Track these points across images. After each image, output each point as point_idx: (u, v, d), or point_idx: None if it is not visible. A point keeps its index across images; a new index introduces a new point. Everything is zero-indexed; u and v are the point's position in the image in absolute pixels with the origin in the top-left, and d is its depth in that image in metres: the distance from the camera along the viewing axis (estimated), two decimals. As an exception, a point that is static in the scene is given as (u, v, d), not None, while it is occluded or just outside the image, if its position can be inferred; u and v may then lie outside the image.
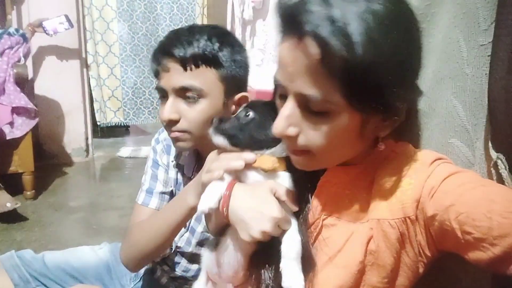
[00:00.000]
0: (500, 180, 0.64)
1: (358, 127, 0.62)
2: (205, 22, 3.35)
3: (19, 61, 2.78)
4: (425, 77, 0.79)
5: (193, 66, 0.95)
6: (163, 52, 0.97)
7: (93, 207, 2.79)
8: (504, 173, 0.62)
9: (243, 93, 1.03)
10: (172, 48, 0.95)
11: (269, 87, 1.60)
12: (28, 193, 2.81)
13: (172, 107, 0.97)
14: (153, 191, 1.13)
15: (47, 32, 3.08)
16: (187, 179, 1.13)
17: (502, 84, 0.59)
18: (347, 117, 0.60)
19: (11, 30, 2.83)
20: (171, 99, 0.97)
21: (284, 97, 0.65)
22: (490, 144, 0.65)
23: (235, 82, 1.01)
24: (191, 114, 0.97)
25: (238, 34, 2.10)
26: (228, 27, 2.24)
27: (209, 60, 0.96)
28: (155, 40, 3.47)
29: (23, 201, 2.79)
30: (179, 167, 1.15)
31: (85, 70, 3.70)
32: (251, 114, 0.75)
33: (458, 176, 0.62)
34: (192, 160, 1.12)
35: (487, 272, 0.69)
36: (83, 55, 3.66)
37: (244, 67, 1.03)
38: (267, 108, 0.75)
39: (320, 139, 0.63)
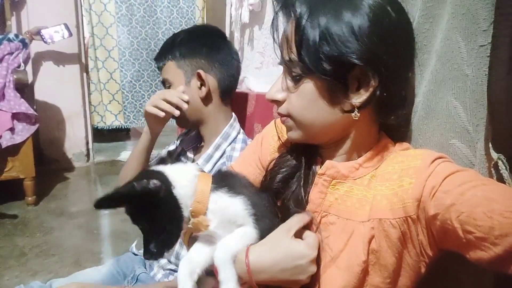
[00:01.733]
0: (501, 181, 0.64)
1: (327, 91, 0.69)
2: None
3: (19, 66, 2.78)
4: (424, 78, 0.80)
5: (161, 64, 1.29)
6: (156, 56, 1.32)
7: (94, 212, 2.78)
8: (505, 173, 0.62)
9: (198, 70, 1.27)
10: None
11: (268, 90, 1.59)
12: (30, 198, 2.81)
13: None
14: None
15: (44, 40, 3.09)
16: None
17: (502, 85, 0.59)
18: (312, 82, 0.69)
19: (11, 36, 2.83)
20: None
21: None
22: (490, 145, 0.65)
23: (190, 64, 1.27)
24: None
25: (236, 37, 2.10)
26: (227, 30, 2.25)
27: (166, 55, 1.28)
28: (155, 44, 3.48)
29: (25, 207, 2.79)
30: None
31: (85, 75, 3.71)
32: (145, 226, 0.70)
33: (459, 175, 0.62)
34: (193, 140, 1.40)
35: (489, 273, 0.68)
36: (83, 60, 3.67)
37: (197, 50, 1.28)
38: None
39: (297, 102, 0.72)
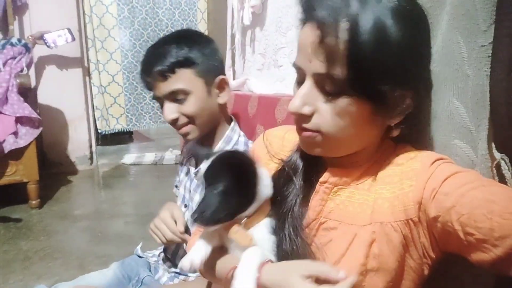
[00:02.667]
0: (503, 181, 0.64)
1: (369, 113, 0.66)
2: (206, 27, 3.35)
3: (22, 71, 2.80)
4: (426, 79, 0.80)
5: (170, 74, 1.14)
6: (145, 71, 1.19)
7: (98, 215, 2.80)
8: (508, 174, 0.62)
9: (221, 77, 1.23)
10: (150, 66, 1.16)
11: (270, 91, 1.60)
12: (33, 202, 2.82)
13: (169, 109, 1.17)
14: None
15: (47, 44, 3.11)
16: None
17: (503, 86, 0.59)
18: (357, 102, 0.64)
19: (14, 40, 2.85)
20: (166, 103, 1.17)
21: (300, 83, 0.70)
22: (493, 145, 0.65)
23: (211, 71, 1.20)
24: (187, 110, 1.17)
25: (238, 39, 2.10)
26: (229, 32, 2.25)
27: (183, 63, 1.15)
28: None
29: (29, 210, 2.80)
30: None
31: (87, 78, 3.72)
32: (220, 187, 0.72)
33: (459, 176, 0.62)
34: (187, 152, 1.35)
35: (490, 276, 0.68)
36: (85, 64, 3.68)
37: (214, 56, 1.22)
38: (235, 171, 0.73)
39: (333, 120, 0.66)
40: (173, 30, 3.50)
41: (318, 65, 0.64)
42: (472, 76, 0.69)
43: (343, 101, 0.64)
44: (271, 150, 0.86)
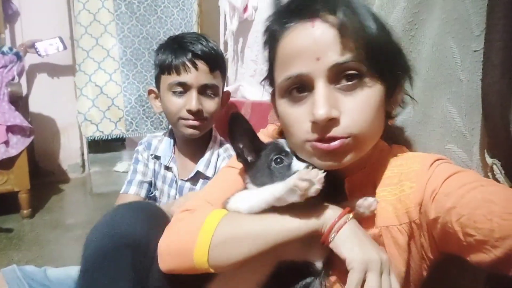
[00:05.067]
0: (498, 184, 0.64)
1: (382, 97, 0.66)
2: (199, 31, 3.32)
3: (13, 79, 2.77)
4: (417, 84, 0.80)
5: (215, 68, 1.23)
6: (191, 51, 1.19)
7: (91, 224, 2.72)
8: (501, 178, 0.62)
9: (227, 90, 1.37)
10: (199, 50, 1.19)
11: (263, 98, 1.60)
12: (25, 211, 2.78)
13: (198, 100, 1.21)
14: (133, 181, 1.36)
15: (39, 53, 3.09)
16: (165, 168, 1.36)
17: (496, 89, 0.59)
18: (374, 84, 0.64)
19: (5, 49, 2.83)
20: (195, 93, 1.20)
21: (302, 90, 0.66)
22: (485, 150, 0.65)
23: (224, 80, 1.31)
24: (212, 107, 1.24)
25: (230, 45, 2.10)
26: (221, 38, 2.25)
27: (221, 65, 1.26)
28: (157, 44, 3.28)
29: (20, 220, 2.76)
30: (156, 158, 1.37)
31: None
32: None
33: (458, 177, 0.62)
34: (168, 152, 1.36)
35: (483, 278, 0.68)
36: (77, 70, 3.66)
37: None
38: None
39: (360, 114, 0.63)
40: (172, 29, 3.45)
41: (333, 56, 0.62)
42: (465, 81, 0.70)
43: (362, 89, 0.64)
44: None
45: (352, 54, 0.62)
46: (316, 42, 0.63)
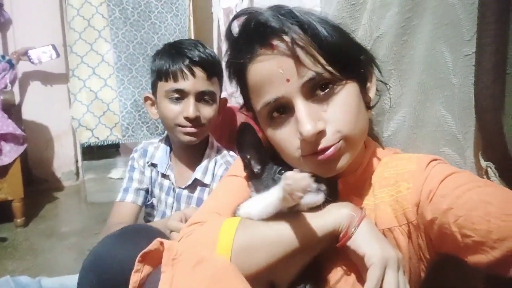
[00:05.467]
0: (493, 187, 0.64)
1: (358, 93, 0.68)
2: (192, 37, 3.32)
3: (5, 87, 2.76)
4: (410, 88, 0.80)
5: (213, 75, 1.22)
6: (189, 58, 1.18)
7: (85, 232, 2.74)
8: (496, 181, 0.63)
9: (224, 96, 1.36)
10: (197, 56, 1.18)
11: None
12: (19, 220, 2.76)
13: (195, 107, 1.19)
14: (129, 189, 1.34)
15: (32, 61, 3.07)
16: (162, 175, 1.34)
17: (489, 93, 0.60)
18: (346, 85, 0.66)
19: (-3, 56, 2.82)
20: (193, 100, 1.19)
21: (283, 111, 0.68)
22: (480, 154, 0.66)
23: (221, 87, 1.30)
24: (209, 113, 1.23)
25: (224, 51, 2.11)
26: (215, 44, 2.26)
27: (218, 71, 1.24)
28: (151, 49, 3.30)
29: (14, 229, 2.74)
30: (153, 165, 1.36)
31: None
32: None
33: (454, 177, 0.62)
34: (164, 159, 1.35)
35: (481, 279, 0.68)
36: (70, 77, 3.64)
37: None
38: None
39: (344, 115, 0.65)
40: (166, 34, 3.45)
41: (304, 73, 0.64)
42: (458, 85, 0.70)
43: (338, 93, 0.65)
44: None
45: (317, 67, 0.63)
46: (281, 65, 0.64)
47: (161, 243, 0.63)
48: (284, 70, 0.64)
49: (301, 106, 0.64)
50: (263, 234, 0.66)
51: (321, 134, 0.64)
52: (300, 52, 0.63)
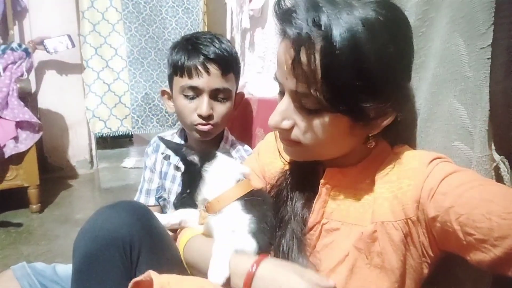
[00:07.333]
0: (501, 183, 0.64)
1: (347, 127, 0.66)
2: (205, 29, 3.33)
3: (22, 75, 2.80)
4: (425, 81, 0.80)
5: (228, 71, 1.20)
6: (204, 55, 1.17)
7: (99, 219, 2.79)
8: (506, 176, 0.63)
9: (241, 92, 1.34)
10: (212, 53, 1.17)
11: (270, 94, 1.61)
12: (34, 206, 2.81)
13: (210, 104, 1.19)
14: (142, 189, 1.41)
15: (47, 50, 3.11)
16: (175, 168, 1.35)
17: (500, 88, 0.59)
18: (335, 119, 0.64)
19: (14, 45, 2.85)
20: (207, 97, 1.19)
21: (282, 94, 0.71)
22: (493, 147, 0.65)
23: (238, 82, 1.29)
24: (223, 111, 1.22)
25: (237, 43, 2.11)
26: (228, 35, 2.26)
27: (234, 67, 1.23)
28: (162, 44, 3.35)
29: (29, 215, 2.80)
30: (166, 157, 1.36)
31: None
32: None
33: (456, 176, 0.62)
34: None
35: (488, 276, 0.68)
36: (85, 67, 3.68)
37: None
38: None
39: (312, 134, 0.68)
40: (177, 28, 3.47)
41: (293, 84, 0.64)
42: (472, 78, 0.70)
43: (321, 118, 0.65)
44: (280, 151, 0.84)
45: (310, 88, 0.62)
46: (286, 63, 0.65)
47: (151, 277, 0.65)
48: (287, 69, 0.65)
49: (285, 101, 0.69)
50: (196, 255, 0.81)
51: (284, 130, 0.70)
52: (306, 67, 0.61)
